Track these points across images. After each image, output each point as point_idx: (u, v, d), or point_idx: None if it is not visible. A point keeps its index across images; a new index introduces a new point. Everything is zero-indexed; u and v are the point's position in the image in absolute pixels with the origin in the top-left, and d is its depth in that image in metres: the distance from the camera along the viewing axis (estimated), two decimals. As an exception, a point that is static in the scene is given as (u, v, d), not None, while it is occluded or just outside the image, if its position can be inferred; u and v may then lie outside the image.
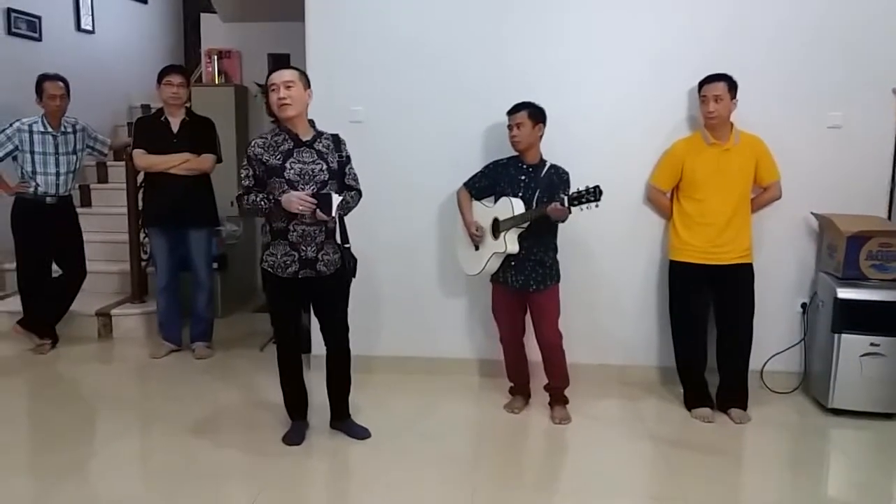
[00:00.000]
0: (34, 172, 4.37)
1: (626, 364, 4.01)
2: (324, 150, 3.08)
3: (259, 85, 5.58)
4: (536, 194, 3.36)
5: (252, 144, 3.04)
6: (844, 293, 3.50)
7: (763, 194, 3.64)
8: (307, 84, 3.05)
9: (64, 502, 2.78)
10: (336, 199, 2.98)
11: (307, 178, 3.00)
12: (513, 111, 3.40)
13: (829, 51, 3.70)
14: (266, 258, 3.08)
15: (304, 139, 3.05)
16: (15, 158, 4.37)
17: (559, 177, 3.41)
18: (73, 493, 2.85)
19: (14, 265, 4.67)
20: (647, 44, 3.80)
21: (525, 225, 3.33)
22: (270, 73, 3.05)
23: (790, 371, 3.88)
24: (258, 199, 3.00)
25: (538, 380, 3.62)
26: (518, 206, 3.31)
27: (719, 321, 3.65)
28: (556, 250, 3.47)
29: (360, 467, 3.13)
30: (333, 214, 2.99)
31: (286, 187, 2.96)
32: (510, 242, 3.35)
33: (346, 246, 3.18)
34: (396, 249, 4.04)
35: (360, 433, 3.29)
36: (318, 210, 2.95)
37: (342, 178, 3.14)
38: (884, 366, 3.46)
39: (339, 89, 3.90)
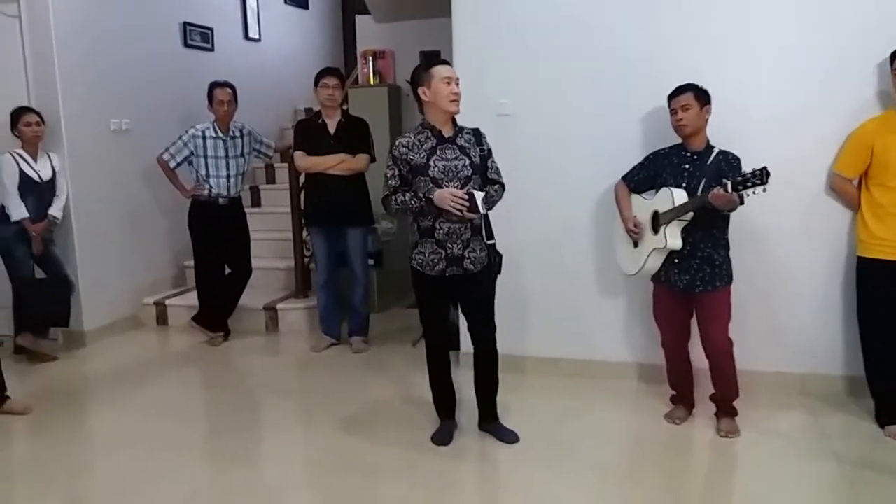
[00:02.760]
0: (207, 176, 4.68)
1: (806, 372, 3.61)
2: (466, 145, 3.04)
3: (409, 82, 5.62)
4: (702, 184, 3.06)
5: (396, 144, 3.04)
6: None
7: (974, 179, 3.12)
8: None
9: (232, 486, 2.96)
10: (479, 196, 2.93)
11: (451, 174, 2.97)
12: (677, 93, 3.13)
13: None
14: (415, 256, 3.08)
15: (447, 136, 3.03)
16: (190, 163, 4.70)
17: (728, 163, 3.09)
18: (241, 478, 3.03)
19: (192, 262, 5.03)
20: (827, 10, 3.38)
21: (688, 217, 3.05)
22: (430, 65, 3.01)
23: None
24: (407, 198, 2.99)
25: (704, 389, 3.34)
26: (679, 197, 3.04)
27: (918, 326, 3.19)
28: (727, 247, 3.17)
29: (507, 473, 3.05)
30: (482, 212, 2.95)
31: (431, 185, 2.94)
32: (671, 237, 3.09)
33: (491, 242, 3.11)
34: (545, 245, 3.90)
35: (509, 437, 3.20)
36: (465, 210, 2.91)
37: (484, 172, 3.08)
38: None
39: (485, 82, 3.81)
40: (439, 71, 2.96)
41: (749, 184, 2.77)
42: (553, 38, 3.77)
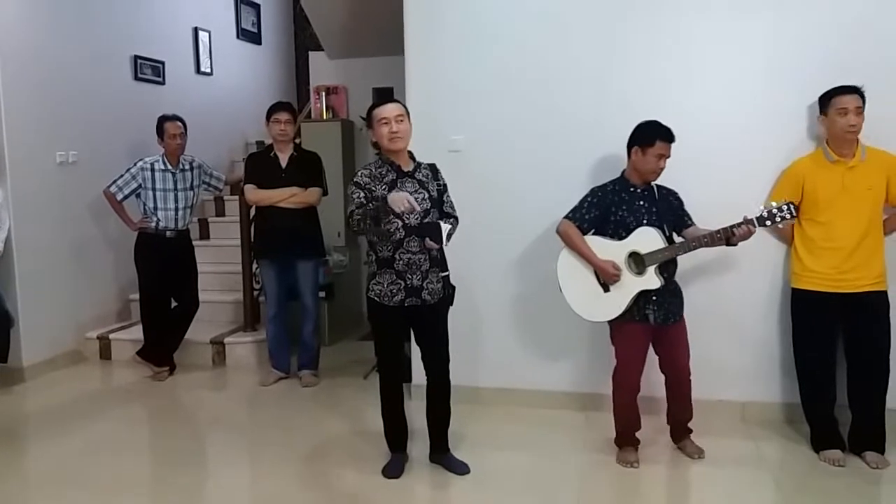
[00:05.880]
0: (155, 208, 4.63)
1: (746, 400, 3.74)
2: (424, 179, 3.12)
3: (364, 118, 5.70)
4: (664, 220, 3.18)
5: (358, 174, 3.09)
6: None
7: (898, 215, 3.33)
8: (409, 116, 3.09)
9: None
10: (445, 228, 2.97)
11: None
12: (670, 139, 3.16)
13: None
14: (372, 287, 3.10)
15: (406, 170, 3.10)
16: (138, 195, 4.65)
17: (676, 198, 3.27)
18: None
19: (137, 296, 4.93)
20: (759, 55, 3.60)
21: (676, 255, 3.13)
22: (374, 106, 3.08)
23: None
24: (368, 206, 2.94)
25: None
26: (659, 238, 3.11)
27: (850, 354, 3.34)
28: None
29: (459, 504, 3.06)
30: (446, 242, 2.98)
31: (391, 216, 2.97)
32: (658, 276, 3.12)
33: (445, 274, 3.16)
34: (498, 278, 3.97)
35: (460, 468, 3.21)
36: (427, 239, 2.96)
37: (441, 206, 3.16)
38: None
39: (438, 119, 3.90)
40: (377, 113, 3.05)
41: (777, 218, 3.02)
42: (496, 83, 3.88)
